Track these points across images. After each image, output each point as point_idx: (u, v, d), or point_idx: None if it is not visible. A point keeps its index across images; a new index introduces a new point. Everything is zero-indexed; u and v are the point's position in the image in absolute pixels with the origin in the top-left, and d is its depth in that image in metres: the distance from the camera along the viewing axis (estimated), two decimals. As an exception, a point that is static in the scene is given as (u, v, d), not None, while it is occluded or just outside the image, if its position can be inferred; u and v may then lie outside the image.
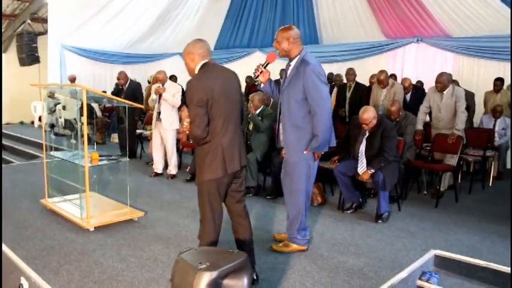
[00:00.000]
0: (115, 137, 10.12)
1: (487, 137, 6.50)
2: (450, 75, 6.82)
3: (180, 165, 7.14)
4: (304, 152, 3.59)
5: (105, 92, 8.66)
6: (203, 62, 3.07)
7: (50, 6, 11.09)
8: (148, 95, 9.94)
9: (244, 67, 12.43)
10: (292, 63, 3.62)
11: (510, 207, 5.14)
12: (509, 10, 7.60)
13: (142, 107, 5.89)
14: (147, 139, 8.06)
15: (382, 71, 6.63)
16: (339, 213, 5.03)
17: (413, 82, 8.18)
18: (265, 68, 3.66)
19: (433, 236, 4.32)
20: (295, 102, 3.55)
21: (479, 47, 8.79)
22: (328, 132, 3.55)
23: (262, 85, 3.77)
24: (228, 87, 3.07)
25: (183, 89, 10.80)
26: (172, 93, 6.46)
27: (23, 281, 3.28)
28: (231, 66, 13.03)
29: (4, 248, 3.75)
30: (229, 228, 3.51)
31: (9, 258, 3.56)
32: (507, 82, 7.74)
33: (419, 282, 3.42)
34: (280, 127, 3.87)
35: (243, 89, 11.04)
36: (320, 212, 5.01)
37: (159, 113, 6.55)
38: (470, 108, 6.95)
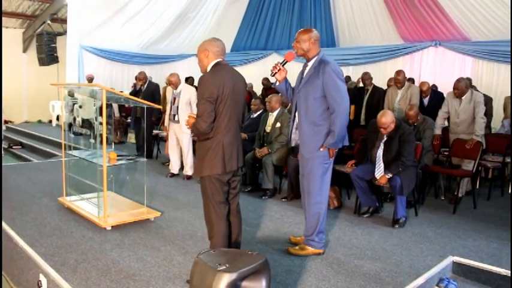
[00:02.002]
0: (132, 137, 10.21)
1: (507, 142, 6.40)
2: (468, 80, 6.75)
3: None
4: (321, 150, 3.61)
5: (121, 92, 8.76)
6: (217, 60, 3.16)
7: (70, 7, 11.25)
8: (165, 96, 10.01)
9: (260, 69, 12.47)
10: (310, 64, 3.67)
11: (510, 211, 5.13)
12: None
13: (160, 107, 5.94)
14: (164, 140, 8.11)
15: (399, 71, 6.59)
16: (355, 217, 5.00)
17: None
18: (283, 66, 3.69)
19: (451, 242, 4.26)
20: (313, 100, 3.59)
21: (499, 51, 8.68)
22: (344, 130, 3.59)
23: (278, 83, 3.80)
24: (236, 89, 3.15)
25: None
26: (188, 98, 6.48)
27: (42, 277, 3.33)
28: (247, 68, 13.19)
29: (23, 244, 3.82)
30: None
31: (29, 254, 3.62)
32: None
33: (436, 289, 3.39)
34: (293, 127, 3.91)
35: (259, 91, 11.06)
36: (336, 216, 4.98)
37: (174, 115, 6.59)
38: (487, 112, 6.85)
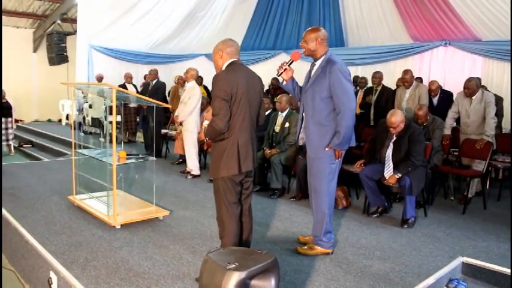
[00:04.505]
0: (141, 136, 10.26)
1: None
2: (479, 79, 6.68)
3: (205, 165, 7.19)
4: (326, 149, 3.60)
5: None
6: (231, 60, 3.17)
7: (80, 7, 11.32)
8: (174, 95, 10.06)
9: (269, 69, 12.44)
10: (317, 63, 3.66)
11: (510, 210, 5.11)
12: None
13: (169, 106, 5.97)
14: (173, 139, 8.14)
15: (407, 71, 6.57)
16: (364, 217, 4.98)
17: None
18: (289, 65, 3.69)
19: (460, 243, 4.23)
20: (320, 100, 3.58)
21: (509, 50, 8.58)
22: (350, 131, 3.57)
23: (284, 82, 3.80)
24: (251, 88, 3.15)
25: (207, 89, 10.90)
26: (188, 96, 6.52)
27: (52, 275, 3.35)
28: (256, 67, 13.18)
29: (34, 242, 3.85)
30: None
31: (39, 252, 3.65)
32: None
33: (446, 290, 3.37)
34: (301, 126, 3.91)
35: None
36: (345, 216, 4.98)
37: None
38: (498, 113, 6.80)
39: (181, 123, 6.62)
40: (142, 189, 5.67)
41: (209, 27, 12.85)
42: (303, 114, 3.78)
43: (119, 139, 7.17)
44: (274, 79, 10.52)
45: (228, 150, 3.06)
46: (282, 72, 3.70)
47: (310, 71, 3.73)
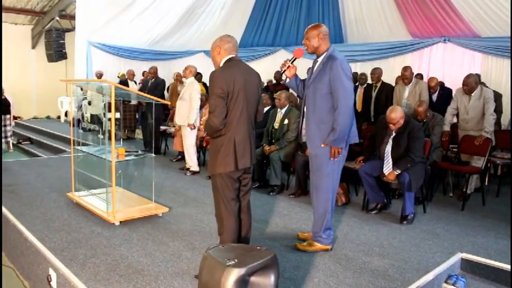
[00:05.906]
0: (140, 133, 10.25)
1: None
2: (478, 76, 6.68)
3: (204, 162, 7.18)
4: (322, 146, 3.60)
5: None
6: (229, 56, 3.16)
7: (78, 4, 11.27)
8: (173, 92, 10.06)
9: (268, 65, 12.44)
10: (320, 59, 3.65)
11: (510, 208, 5.11)
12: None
13: (168, 103, 5.96)
14: (171, 135, 8.13)
15: (406, 67, 6.56)
16: (363, 213, 4.99)
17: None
18: (292, 63, 3.69)
19: (459, 239, 4.24)
20: (320, 97, 3.58)
21: (508, 47, 8.57)
22: (346, 128, 3.55)
23: (288, 80, 3.79)
24: (249, 85, 3.13)
25: (206, 86, 10.88)
26: (189, 93, 6.53)
27: (51, 272, 3.36)
28: (255, 64, 13.15)
29: (33, 239, 3.85)
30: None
31: (38, 249, 3.65)
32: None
33: (445, 286, 3.37)
34: (304, 122, 3.90)
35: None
36: (344, 212, 4.98)
37: None
38: (497, 109, 6.79)
39: (196, 127, 6.66)
40: (142, 186, 5.67)
41: (208, 24, 12.82)
42: (305, 110, 3.78)
43: (118, 136, 7.15)
44: (277, 73, 10.53)
45: (224, 146, 3.06)
46: (285, 70, 3.70)
47: (312, 67, 3.73)
